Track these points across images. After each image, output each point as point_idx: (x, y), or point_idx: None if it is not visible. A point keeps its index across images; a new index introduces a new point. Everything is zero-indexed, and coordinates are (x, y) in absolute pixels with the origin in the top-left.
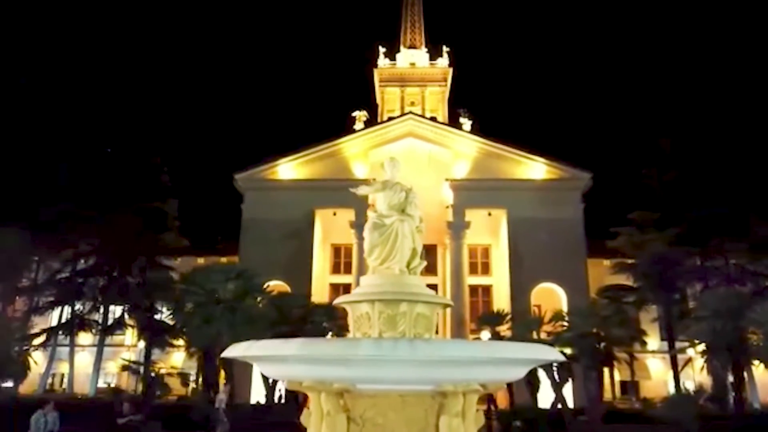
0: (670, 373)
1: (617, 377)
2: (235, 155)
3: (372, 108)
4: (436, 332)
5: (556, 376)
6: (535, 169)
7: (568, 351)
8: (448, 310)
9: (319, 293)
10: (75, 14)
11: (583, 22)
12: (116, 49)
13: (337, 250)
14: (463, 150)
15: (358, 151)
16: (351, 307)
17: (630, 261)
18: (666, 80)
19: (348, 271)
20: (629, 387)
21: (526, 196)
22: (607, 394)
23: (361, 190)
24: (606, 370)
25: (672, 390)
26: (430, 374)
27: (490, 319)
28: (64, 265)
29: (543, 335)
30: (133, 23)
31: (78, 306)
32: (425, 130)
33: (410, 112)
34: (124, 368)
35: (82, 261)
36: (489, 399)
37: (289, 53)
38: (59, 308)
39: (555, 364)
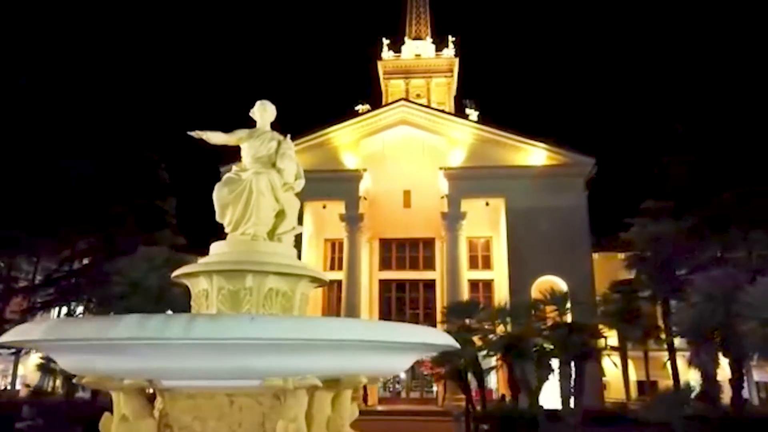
0: (691, 373)
1: (633, 377)
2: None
3: (377, 102)
4: None
5: (528, 372)
6: (535, 155)
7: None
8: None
9: (313, 290)
10: (70, 12)
11: (591, 7)
12: (112, 44)
13: (332, 245)
14: (460, 137)
15: (349, 141)
16: (190, 283)
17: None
18: (677, 66)
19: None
20: (646, 387)
21: (525, 184)
22: (619, 394)
23: (213, 137)
24: (619, 369)
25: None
26: (230, 363)
27: (459, 310)
28: (62, 265)
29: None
30: (130, 16)
31: (74, 306)
32: (419, 117)
33: (403, 99)
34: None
35: (77, 262)
36: (467, 399)
37: (293, 48)
38: (56, 308)
39: (533, 360)
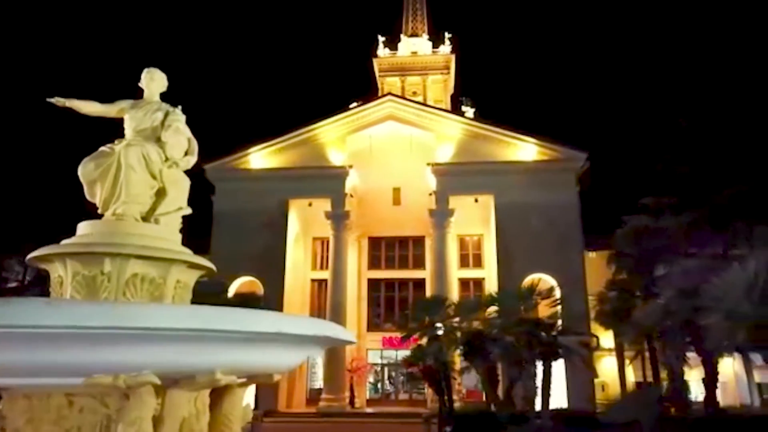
0: (693, 373)
1: (632, 377)
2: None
3: (373, 101)
4: None
5: (499, 371)
6: (525, 150)
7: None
8: None
9: (299, 289)
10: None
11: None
12: (111, 44)
13: (321, 243)
14: (449, 133)
15: (335, 138)
16: (49, 269)
17: None
18: (678, 63)
19: None
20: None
21: (515, 180)
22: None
23: (86, 107)
24: (616, 369)
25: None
26: (33, 357)
27: (423, 307)
28: None
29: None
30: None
31: None
32: (407, 112)
33: (389, 93)
34: None
35: None
36: (440, 400)
37: (292, 47)
38: None
39: (499, 358)
